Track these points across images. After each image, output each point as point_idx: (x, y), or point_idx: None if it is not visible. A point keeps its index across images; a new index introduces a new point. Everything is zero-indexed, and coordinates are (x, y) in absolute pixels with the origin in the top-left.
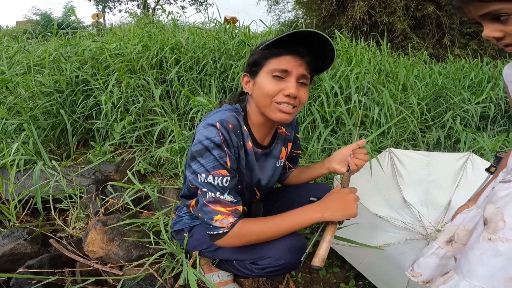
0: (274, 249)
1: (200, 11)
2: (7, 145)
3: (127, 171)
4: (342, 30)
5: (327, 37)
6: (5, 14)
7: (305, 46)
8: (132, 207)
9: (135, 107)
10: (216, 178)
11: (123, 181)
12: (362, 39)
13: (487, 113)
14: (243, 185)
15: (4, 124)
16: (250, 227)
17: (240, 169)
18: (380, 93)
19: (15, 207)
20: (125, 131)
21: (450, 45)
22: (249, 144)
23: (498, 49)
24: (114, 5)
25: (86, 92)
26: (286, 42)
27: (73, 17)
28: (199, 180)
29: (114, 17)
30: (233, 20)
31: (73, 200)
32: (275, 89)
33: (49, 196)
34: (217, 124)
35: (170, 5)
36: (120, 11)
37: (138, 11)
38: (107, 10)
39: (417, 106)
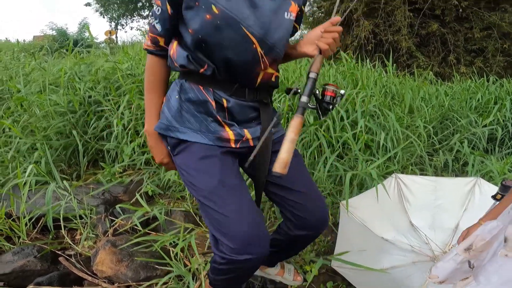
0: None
1: None
2: (19, 163)
3: (136, 192)
4: (348, 49)
5: None
6: (23, 28)
7: None
8: (141, 228)
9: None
10: (155, 6)
11: (131, 202)
12: (368, 60)
13: (494, 135)
14: (214, 14)
15: (18, 143)
16: (148, 73)
17: None
18: (386, 117)
19: (25, 224)
20: (135, 153)
21: (456, 63)
22: None
23: (504, 66)
24: (126, 22)
25: (98, 113)
26: None
27: (87, 34)
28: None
29: (126, 34)
30: None
31: (82, 220)
32: None
33: (59, 215)
34: None
35: None
36: (131, 28)
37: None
38: (119, 27)
39: (423, 130)
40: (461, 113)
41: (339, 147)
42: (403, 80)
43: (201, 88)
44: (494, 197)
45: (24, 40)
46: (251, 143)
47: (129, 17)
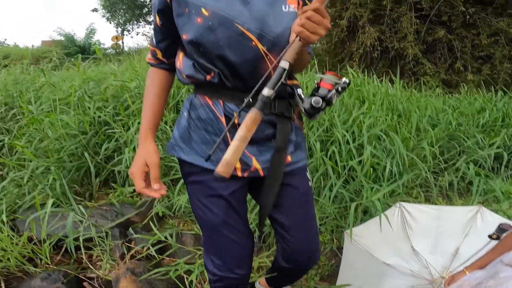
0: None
1: None
2: (34, 186)
3: (147, 215)
4: (353, 56)
5: None
6: (23, 28)
7: None
8: (156, 255)
9: None
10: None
11: (143, 223)
12: (375, 76)
13: (501, 154)
14: (204, 16)
15: (32, 165)
16: (147, 82)
17: (189, 1)
18: (392, 139)
19: (30, 241)
20: None
21: (463, 70)
22: None
23: (511, 73)
24: (132, 27)
25: (109, 134)
26: None
27: (95, 39)
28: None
29: (132, 40)
30: None
31: (98, 243)
32: None
33: (77, 240)
34: None
35: None
36: (137, 33)
37: None
38: (125, 32)
39: (429, 152)
40: (468, 132)
41: (345, 173)
42: (410, 95)
43: (210, 103)
44: (490, 236)
45: (32, 46)
46: (261, 173)
47: (135, 22)
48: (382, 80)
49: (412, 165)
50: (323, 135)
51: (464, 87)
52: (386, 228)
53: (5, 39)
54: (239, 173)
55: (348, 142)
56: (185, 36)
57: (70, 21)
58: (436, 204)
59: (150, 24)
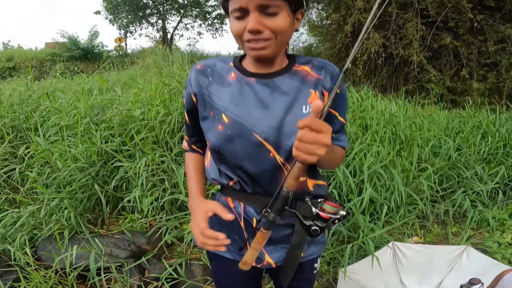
0: None
1: (216, 37)
2: (49, 217)
3: (158, 242)
4: (357, 63)
5: None
6: (23, 28)
7: None
8: None
9: (160, 187)
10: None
11: (154, 251)
12: (379, 96)
13: (499, 185)
14: (225, 123)
15: (46, 199)
16: (186, 163)
17: (214, 104)
18: (391, 174)
19: (56, 273)
20: (152, 205)
21: (469, 78)
22: (232, 75)
23: None
24: (135, 29)
25: (116, 163)
26: None
27: (98, 41)
28: None
29: (135, 41)
30: None
31: (115, 271)
32: (240, 29)
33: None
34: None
35: (187, 30)
36: (140, 35)
37: (158, 35)
38: (128, 34)
39: (427, 187)
40: (468, 162)
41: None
42: (413, 120)
43: (232, 206)
44: (461, 286)
45: (36, 48)
46: (274, 265)
47: (138, 24)
48: (385, 89)
49: (410, 196)
50: (324, 170)
51: (469, 101)
52: (378, 264)
53: (9, 41)
54: (254, 264)
55: (348, 176)
56: (209, 143)
57: (70, 21)
58: (431, 230)
59: (153, 26)
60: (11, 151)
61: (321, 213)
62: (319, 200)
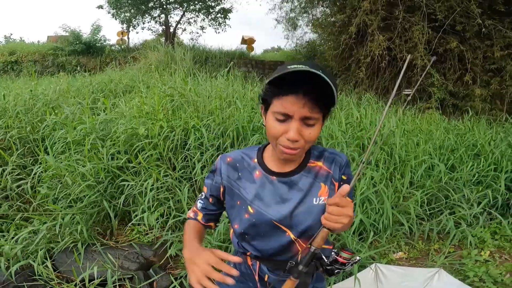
0: None
1: (219, 32)
2: (63, 230)
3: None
4: (360, 64)
5: (325, 77)
6: (38, 29)
7: (309, 83)
8: None
9: (165, 205)
10: (203, 189)
11: (160, 263)
12: (380, 104)
13: (484, 208)
14: (250, 213)
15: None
16: (188, 229)
17: (242, 196)
18: (382, 197)
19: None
20: (158, 220)
21: (472, 83)
22: (257, 173)
23: None
24: (138, 23)
25: (123, 180)
26: (288, 79)
27: (100, 35)
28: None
29: (137, 35)
30: (251, 41)
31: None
32: (278, 132)
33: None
34: (219, 157)
35: (190, 25)
36: (143, 29)
37: (160, 29)
38: (131, 28)
39: (414, 211)
40: (458, 184)
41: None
42: (409, 138)
43: (250, 263)
44: None
45: (38, 41)
46: None
47: (141, 18)
48: (387, 91)
49: (397, 216)
50: None
51: (468, 111)
52: (362, 283)
53: (11, 34)
54: None
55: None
56: (236, 226)
57: (72, 14)
58: (415, 246)
59: (155, 20)
60: (19, 164)
61: (339, 259)
62: (335, 250)
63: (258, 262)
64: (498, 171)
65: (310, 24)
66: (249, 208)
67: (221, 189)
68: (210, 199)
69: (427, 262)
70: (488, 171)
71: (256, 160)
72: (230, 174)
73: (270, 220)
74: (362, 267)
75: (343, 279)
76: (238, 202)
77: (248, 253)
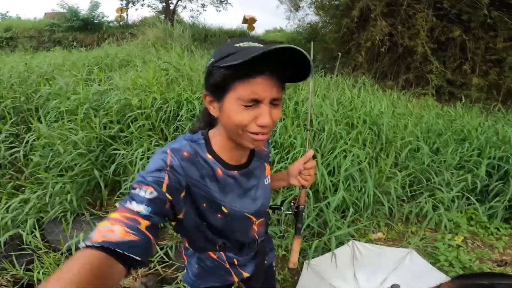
0: None
1: (220, 10)
2: (54, 199)
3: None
4: (360, 48)
5: (303, 51)
6: (35, 6)
7: (277, 60)
8: (160, 270)
9: None
10: (138, 190)
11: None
12: (375, 87)
13: (462, 193)
14: (224, 213)
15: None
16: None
17: (210, 197)
18: (365, 174)
19: (63, 254)
20: None
21: (470, 72)
22: (219, 171)
23: None
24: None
25: (114, 149)
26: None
27: (98, 11)
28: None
29: (136, 12)
30: (252, 20)
31: None
32: (246, 120)
33: None
34: (168, 150)
35: (191, 2)
36: (143, 5)
37: (160, 6)
38: (130, 5)
39: (394, 191)
40: (440, 168)
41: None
42: (398, 121)
43: (215, 256)
44: None
45: (35, 18)
46: (248, 275)
47: None
48: (385, 76)
49: (378, 201)
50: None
51: (462, 99)
52: (339, 258)
53: (7, 11)
54: (236, 279)
55: (325, 176)
56: (206, 223)
57: None
58: (394, 228)
59: None
60: (13, 132)
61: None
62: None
63: (222, 253)
64: (481, 157)
65: (313, 6)
66: (223, 208)
67: (183, 193)
68: (168, 196)
69: (403, 244)
70: (472, 156)
71: (210, 156)
72: (190, 172)
73: (243, 214)
74: (340, 243)
75: (323, 254)
76: (205, 205)
77: (216, 246)
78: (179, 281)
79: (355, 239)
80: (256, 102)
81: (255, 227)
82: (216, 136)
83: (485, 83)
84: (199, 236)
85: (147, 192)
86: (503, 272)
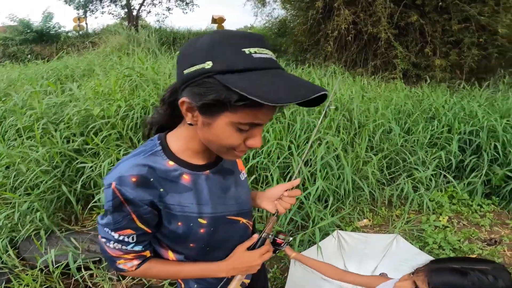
0: None
1: (187, 12)
2: (24, 218)
3: None
4: (328, 38)
5: (328, 93)
6: None
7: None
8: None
9: None
10: (121, 236)
11: None
12: (346, 75)
13: (439, 171)
14: (204, 224)
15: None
16: (156, 270)
17: (182, 215)
18: (342, 161)
19: (41, 271)
20: None
21: (432, 55)
22: (186, 177)
23: (478, 60)
24: (96, 8)
25: (81, 162)
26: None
27: (53, 22)
28: (104, 233)
29: (96, 20)
30: (221, 20)
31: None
32: (238, 142)
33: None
34: (113, 185)
35: (155, 6)
36: (102, 13)
37: (122, 12)
38: (88, 13)
39: (372, 176)
40: (414, 147)
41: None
42: (368, 105)
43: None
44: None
45: None
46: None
47: (99, 2)
48: (355, 64)
49: (357, 187)
50: (282, 162)
51: (427, 79)
52: (325, 250)
53: None
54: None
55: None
56: (192, 245)
57: (20, 4)
58: (379, 213)
59: (115, 3)
60: None
61: (278, 240)
62: (272, 233)
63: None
64: (452, 133)
65: (279, 0)
66: (200, 220)
67: (155, 211)
68: (147, 229)
69: (389, 228)
70: (442, 132)
71: (171, 162)
72: (146, 198)
73: (225, 217)
74: (326, 235)
75: (309, 247)
76: (180, 224)
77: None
78: None
79: (341, 229)
80: (253, 125)
81: (249, 228)
82: (178, 140)
83: (447, 64)
84: (192, 253)
85: (130, 237)
86: (482, 257)
